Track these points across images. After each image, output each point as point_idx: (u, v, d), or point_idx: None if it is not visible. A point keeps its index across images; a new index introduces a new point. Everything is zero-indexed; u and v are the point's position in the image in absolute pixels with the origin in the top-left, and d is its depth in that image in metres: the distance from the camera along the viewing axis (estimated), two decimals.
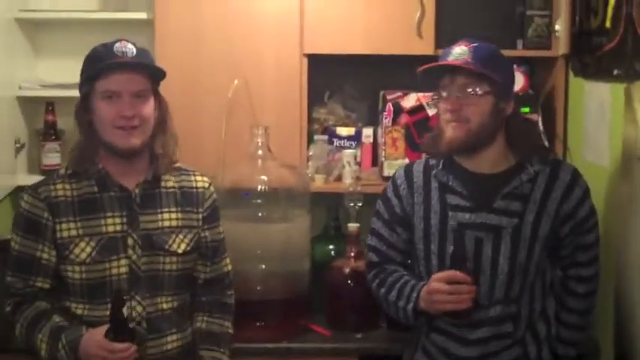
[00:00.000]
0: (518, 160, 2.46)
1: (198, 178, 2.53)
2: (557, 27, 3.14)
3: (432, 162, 2.53)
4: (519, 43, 3.24)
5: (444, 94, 2.40)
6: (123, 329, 2.21)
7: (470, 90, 2.35)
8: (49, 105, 3.29)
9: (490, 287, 2.40)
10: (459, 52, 2.37)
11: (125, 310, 2.20)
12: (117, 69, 2.28)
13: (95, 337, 2.22)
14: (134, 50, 2.32)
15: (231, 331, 2.58)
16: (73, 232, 2.33)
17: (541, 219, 2.43)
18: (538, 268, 2.46)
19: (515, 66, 3.17)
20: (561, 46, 3.11)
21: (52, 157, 3.26)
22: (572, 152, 3.11)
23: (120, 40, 2.33)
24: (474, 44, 2.38)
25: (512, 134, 2.46)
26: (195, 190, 2.50)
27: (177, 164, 2.50)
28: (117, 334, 2.20)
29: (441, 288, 2.34)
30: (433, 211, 2.48)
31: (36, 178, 3.01)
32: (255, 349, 2.86)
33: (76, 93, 3.05)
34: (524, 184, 2.43)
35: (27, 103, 3.32)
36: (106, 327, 2.22)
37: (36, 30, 3.44)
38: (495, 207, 2.42)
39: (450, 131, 2.38)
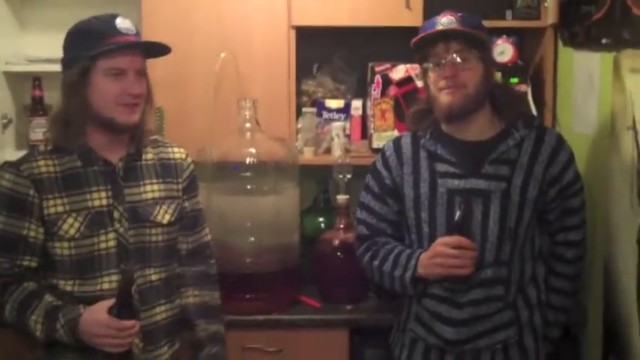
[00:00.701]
0: (504, 126, 2.49)
1: (176, 149, 2.53)
2: None
3: (420, 133, 2.55)
4: (508, 13, 3.22)
5: (437, 62, 2.41)
6: (128, 306, 2.20)
7: (465, 55, 2.39)
8: (36, 80, 3.26)
9: (481, 250, 2.42)
10: (447, 21, 2.41)
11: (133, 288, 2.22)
12: (127, 48, 2.29)
13: (96, 315, 2.20)
14: (134, 28, 2.32)
15: (219, 301, 2.59)
16: (60, 208, 2.30)
17: (528, 183, 2.45)
18: (527, 233, 2.48)
19: (504, 37, 3.18)
20: (550, 15, 3.10)
21: (40, 132, 3.22)
22: (562, 122, 3.11)
23: (117, 16, 2.32)
24: (460, 14, 2.42)
25: (498, 100, 2.50)
26: (173, 161, 2.50)
27: (154, 137, 2.49)
28: (122, 310, 2.18)
29: (447, 252, 2.36)
30: (422, 179, 2.50)
31: (24, 154, 3.02)
32: (245, 321, 2.87)
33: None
34: (510, 149, 2.46)
35: (14, 79, 3.30)
36: (104, 304, 2.21)
37: (22, 5, 3.41)
38: (483, 172, 2.45)
39: (447, 98, 2.41)
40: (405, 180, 2.53)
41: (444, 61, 2.40)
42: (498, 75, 3.06)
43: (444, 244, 2.38)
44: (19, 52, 3.34)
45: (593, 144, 2.79)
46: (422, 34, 2.43)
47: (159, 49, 2.38)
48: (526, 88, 3.14)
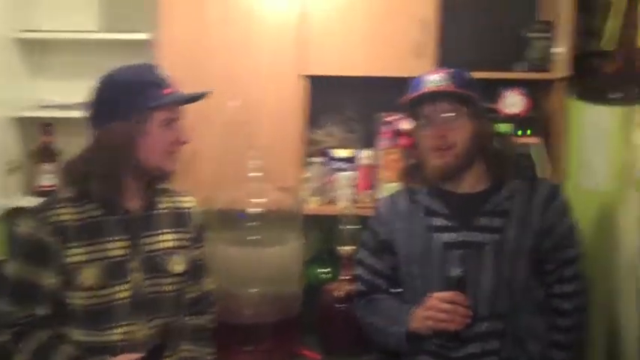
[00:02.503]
0: (496, 179, 2.48)
1: (186, 198, 2.54)
2: (557, 49, 3.11)
3: (414, 187, 2.55)
4: (519, 65, 3.21)
5: (426, 122, 2.43)
6: None
7: (454, 115, 2.39)
8: (46, 126, 3.29)
9: (475, 304, 2.40)
10: (438, 78, 2.42)
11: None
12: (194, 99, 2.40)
13: None
14: None
15: (212, 357, 2.57)
16: (81, 258, 2.28)
17: (523, 234, 2.44)
18: (523, 285, 2.46)
19: (515, 88, 3.16)
20: (560, 68, 3.08)
21: (48, 178, 3.25)
22: (571, 176, 3.07)
23: (155, 66, 2.38)
24: (449, 70, 2.44)
25: (490, 154, 2.50)
26: (185, 210, 2.51)
27: (164, 185, 2.50)
28: None
29: (439, 306, 2.36)
30: (417, 234, 2.50)
31: (31, 200, 3.03)
32: None
33: (75, 114, 3.08)
34: (504, 200, 2.46)
35: (24, 124, 3.33)
36: (131, 356, 2.21)
37: (34, 50, 3.45)
38: (477, 225, 2.45)
39: (438, 159, 2.42)
40: (400, 235, 2.53)
41: (433, 121, 2.40)
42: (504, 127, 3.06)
43: (437, 298, 2.37)
44: (31, 97, 3.36)
45: (601, 198, 2.75)
46: (410, 96, 2.44)
47: (196, 99, 2.45)
48: (536, 141, 3.11)
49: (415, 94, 2.44)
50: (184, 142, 2.37)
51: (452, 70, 2.44)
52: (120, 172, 2.30)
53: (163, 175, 2.36)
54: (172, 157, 2.36)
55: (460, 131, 2.40)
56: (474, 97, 2.41)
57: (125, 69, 2.33)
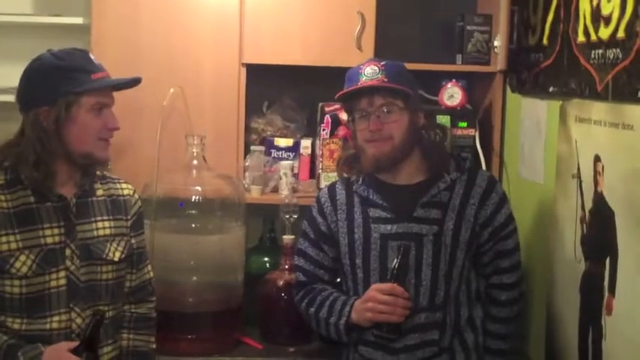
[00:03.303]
0: (433, 170, 2.50)
1: (124, 185, 2.51)
2: (495, 43, 3.16)
3: (353, 179, 2.56)
4: (458, 57, 3.26)
5: (362, 115, 2.44)
6: (94, 348, 2.19)
7: (389, 108, 2.41)
8: None
9: (415, 295, 2.43)
10: (371, 72, 2.43)
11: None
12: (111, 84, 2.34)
13: (61, 354, 2.16)
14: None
15: (154, 346, 2.57)
16: (13, 245, 2.24)
17: (460, 225, 2.47)
18: (462, 276, 2.50)
19: (454, 80, 3.20)
20: (499, 61, 3.13)
21: None
22: (509, 168, 3.13)
23: (87, 51, 2.36)
24: (383, 62, 2.45)
25: (426, 146, 2.53)
26: (122, 197, 2.48)
27: (102, 172, 2.47)
28: (87, 353, 2.17)
29: (379, 297, 2.37)
30: (356, 225, 2.51)
31: None
32: None
33: (8, 98, 3.01)
34: (441, 192, 2.49)
35: None
36: (67, 345, 2.19)
37: None
38: (415, 216, 2.47)
39: (373, 150, 2.44)
40: (340, 226, 2.54)
41: (368, 115, 2.42)
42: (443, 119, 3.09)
43: (376, 289, 2.39)
44: None
45: (539, 190, 2.80)
46: (344, 91, 2.46)
47: (129, 84, 2.43)
48: (474, 133, 3.16)
49: (349, 89, 2.45)
50: (114, 129, 2.35)
51: (385, 62, 2.45)
52: (48, 157, 2.26)
53: (94, 162, 2.33)
54: (103, 144, 2.33)
55: (395, 124, 2.42)
56: (406, 91, 2.42)
57: (54, 53, 2.30)
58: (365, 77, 2.42)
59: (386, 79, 2.41)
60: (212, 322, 2.89)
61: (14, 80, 2.87)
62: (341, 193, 2.57)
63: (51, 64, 2.27)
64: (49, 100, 2.24)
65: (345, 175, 2.60)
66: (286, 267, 2.96)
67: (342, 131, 3.17)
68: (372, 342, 2.47)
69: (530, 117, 2.91)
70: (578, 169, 2.42)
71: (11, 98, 2.91)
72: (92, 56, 2.34)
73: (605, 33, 2.26)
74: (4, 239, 2.24)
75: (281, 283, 2.94)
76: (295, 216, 2.99)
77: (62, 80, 2.24)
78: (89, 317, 2.30)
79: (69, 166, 2.32)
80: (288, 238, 2.99)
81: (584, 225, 2.38)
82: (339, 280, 2.64)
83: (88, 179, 2.38)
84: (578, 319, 2.41)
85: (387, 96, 2.42)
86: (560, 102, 2.58)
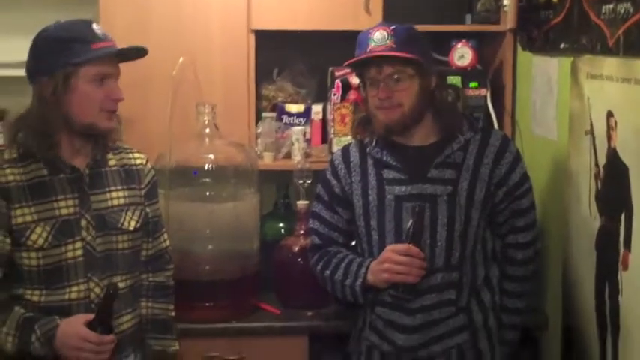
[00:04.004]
0: (446, 131, 2.49)
1: (137, 155, 2.53)
2: (505, 1, 3.14)
3: (367, 141, 2.56)
4: (468, 17, 3.23)
5: (372, 82, 2.43)
6: (108, 320, 2.23)
7: (398, 76, 2.39)
8: None
9: (430, 255, 2.44)
10: (380, 37, 2.40)
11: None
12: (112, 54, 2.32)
13: (76, 327, 2.20)
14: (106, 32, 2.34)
15: (173, 313, 2.60)
16: (28, 218, 2.27)
17: (475, 185, 2.47)
18: (477, 236, 2.50)
19: (464, 41, 3.18)
20: (509, 20, 3.11)
21: None
22: (521, 126, 3.12)
23: (92, 22, 2.33)
24: (392, 27, 2.41)
25: (439, 108, 2.51)
26: (135, 167, 2.50)
27: (114, 143, 2.48)
28: (102, 325, 2.20)
29: (395, 258, 2.38)
30: (371, 187, 2.51)
31: None
32: (204, 330, 2.83)
33: (17, 72, 3.01)
34: (455, 152, 2.48)
35: None
36: (82, 317, 2.22)
37: None
38: (429, 177, 2.47)
39: (384, 116, 2.44)
40: (354, 188, 2.54)
41: (377, 83, 2.41)
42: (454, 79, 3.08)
43: (392, 250, 2.40)
44: None
45: (552, 147, 2.80)
46: (352, 60, 2.45)
47: (135, 54, 2.40)
48: (485, 92, 3.14)
49: (357, 58, 2.44)
50: (118, 100, 2.33)
51: (395, 26, 2.41)
52: (50, 128, 2.27)
53: (98, 133, 2.33)
54: (106, 115, 2.32)
55: (405, 92, 2.40)
56: (416, 58, 2.38)
57: (57, 25, 2.31)
58: (374, 43, 2.40)
59: (394, 46, 2.37)
60: (229, 289, 2.90)
61: (20, 54, 2.88)
62: (355, 156, 2.57)
63: (51, 35, 2.28)
64: (48, 71, 2.25)
65: (359, 137, 2.59)
66: (301, 232, 2.97)
67: (352, 95, 3.16)
68: (389, 302, 2.49)
69: (541, 75, 2.90)
70: (591, 125, 2.42)
71: (19, 72, 2.94)
72: (96, 26, 2.31)
73: None
74: (19, 212, 2.27)
75: (296, 248, 2.95)
76: (309, 181, 2.99)
77: (61, 51, 2.25)
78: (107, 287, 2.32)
79: (76, 138, 2.33)
80: (302, 203, 2.99)
81: (598, 181, 2.37)
82: (354, 243, 2.65)
83: (99, 150, 2.39)
84: (594, 276, 2.41)
85: (395, 64, 2.39)
86: (571, 59, 2.57)
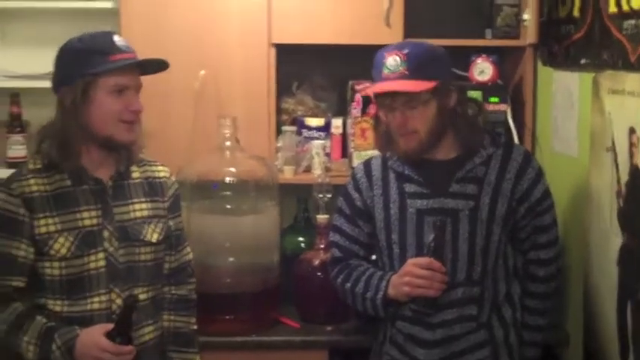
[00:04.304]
0: (466, 146, 2.48)
1: (160, 168, 2.54)
2: (525, 16, 3.14)
3: (389, 154, 2.56)
4: (488, 32, 3.23)
5: (386, 109, 2.43)
6: (127, 331, 2.23)
7: (412, 104, 2.38)
8: (14, 96, 3.23)
9: (452, 270, 2.43)
10: (393, 64, 2.38)
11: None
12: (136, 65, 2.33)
13: (95, 338, 2.21)
14: (129, 44, 2.35)
15: (195, 327, 2.60)
16: (52, 228, 2.29)
17: (497, 200, 2.46)
18: (499, 251, 2.49)
19: (484, 56, 3.18)
20: (529, 35, 3.11)
21: (18, 149, 3.21)
22: (541, 142, 3.11)
23: (114, 33, 2.35)
24: (406, 51, 2.38)
25: (458, 124, 2.48)
26: (158, 180, 2.51)
27: (137, 156, 2.49)
28: (121, 336, 2.21)
29: (416, 271, 2.37)
30: (392, 200, 2.51)
31: (1, 171, 2.99)
32: (224, 343, 2.84)
33: (42, 84, 3.04)
34: (477, 167, 2.47)
35: None
36: (102, 327, 2.23)
37: (1, 19, 3.38)
38: (451, 191, 2.46)
39: (402, 143, 2.44)
40: (376, 201, 2.54)
41: (391, 110, 2.41)
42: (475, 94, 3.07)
43: (414, 264, 2.39)
44: None
45: (572, 164, 2.79)
46: (364, 92, 2.49)
47: (156, 67, 2.41)
48: (506, 108, 3.14)
49: (371, 88, 2.45)
50: (136, 111, 2.34)
51: (408, 50, 2.37)
52: (70, 138, 2.28)
53: (118, 144, 2.33)
54: (124, 127, 2.32)
55: (420, 118, 2.39)
56: (426, 88, 2.35)
57: (80, 37, 2.33)
58: (387, 70, 2.38)
59: (407, 72, 2.35)
60: (249, 302, 2.90)
61: (44, 66, 2.91)
62: (376, 169, 2.57)
63: (73, 46, 2.31)
64: (69, 81, 2.27)
65: (384, 152, 2.58)
66: (321, 246, 2.97)
67: (373, 109, 3.14)
68: (410, 317, 2.48)
69: (562, 90, 2.89)
70: (613, 141, 2.41)
71: (43, 84, 2.97)
72: (117, 38, 2.32)
73: (637, 2, 2.24)
74: (42, 222, 2.28)
75: (316, 262, 2.95)
76: (329, 195, 2.99)
77: (81, 62, 2.27)
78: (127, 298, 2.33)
79: (98, 149, 2.34)
80: (322, 217, 2.99)
81: (620, 198, 2.36)
82: (374, 257, 2.65)
83: (123, 163, 2.40)
84: (616, 294, 2.40)
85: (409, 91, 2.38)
86: (593, 74, 2.57)
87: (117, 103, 2.29)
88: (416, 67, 2.36)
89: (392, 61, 2.38)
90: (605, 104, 2.48)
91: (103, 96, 2.27)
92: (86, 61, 2.27)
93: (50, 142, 2.31)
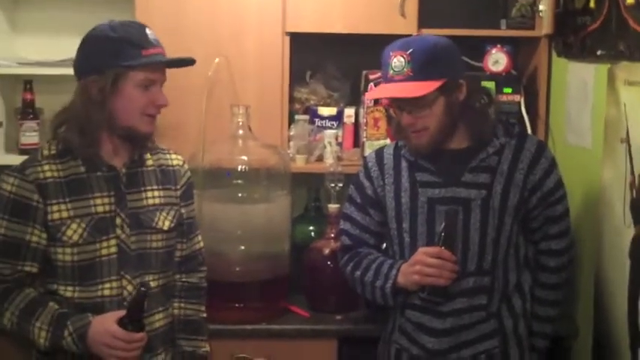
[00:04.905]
0: (480, 136, 2.47)
1: (173, 156, 2.54)
2: (541, 7, 3.12)
3: (401, 143, 2.55)
4: (503, 22, 3.21)
5: (397, 107, 2.44)
6: (139, 319, 2.24)
7: (420, 103, 2.37)
8: (27, 83, 3.23)
9: (462, 259, 2.43)
10: (398, 65, 2.36)
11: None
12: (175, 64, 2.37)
13: (107, 325, 2.22)
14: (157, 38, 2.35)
15: (205, 315, 2.61)
16: (64, 214, 2.29)
17: (509, 190, 2.45)
18: (510, 241, 2.48)
19: (498, 46, 3.17)
20: (545, 25, 3.09)
21: (31, 136, 3.20)
22: (555, 133, 3.10)
23: (145, 26, 2.34)
24: (410, 50, 2.35)
25: (469, 117, 2.47)
26: (171, 168, 2.51)
27: (151, 144, 2.49)
28: (133, 323, 2.22)
29: (426, 260, 2.37)
30: (403, 189, 2.51)
31: (14, 158, 3.00)
32: (234, 331, 2.85)
33: (55, 71, 3.05)
34: (490, 156, 2.46)
35: (4, 81, 3.27)
36: (114, 315, 2.24)
37: (14, 6, 3.38)
38: (464, 180, 2.46)
39: (414, 139, 2.44)
40: (387, 190, 2.54)
41: (400, 109, 2.41)
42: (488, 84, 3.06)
43: (424, 252, 2.39)
44: (11, 55, 3.30)
45: (586, 155, 2.78)
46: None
47: (182, 63, 2.42)
48: (519, 99, 3.13)
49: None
50: (161, 106, 2.35)
51: (413, 49, 2.34)
52: (92, 126, 2.28)
53: (138, 136, 2.34)
54: (147, 120, 2.33)
55: (429, 116, 2.38)
56: (430, 91, 2.34)
57: (111, 24, 2.31)
58: (392, 71, 2.37)
59: (412, 74, 2.33)
60: (259, 290, 2.91)
61: (59, 53, 2.91)
62: (388, 158, 2.57)
63: (104, 34, 2.28)
64: (97, 70, 2.26)
65: (397, 138, 2.58)
66: (332, 235, 2.97)
67: (385, 99, 3.15)
68: (419, 306, 2.48)
69: (576, 81, 2.88)
70: (627, 133, 2.39)
71: (57, 71, 2.97)
72: (149, 31, 2.32)
73: None
74: (55, 208, 2.29)
75: (327, 251, 2.95)
76: (340, 185, 2.99)
77: (112, 52, 2.25)
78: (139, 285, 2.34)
79: (116, 138, 2.34)
80: (333, 206, 2.99)
81: (634, 190, 2.35)
82: (384, 245, 2.64)
83: (137, 150, 2.40)
84: (627, 285, 2.39)
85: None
86: (608, 65, 2.56)
87: (144, 96, 2.30)
88: (421, 67, 2.34)
89: (397, 62, 2.37)
90: (620, 95, 2.47)
91: (131, 89, 2.28)
92: (120, 52, 2.25)
93: (71, 128, 2.30)
